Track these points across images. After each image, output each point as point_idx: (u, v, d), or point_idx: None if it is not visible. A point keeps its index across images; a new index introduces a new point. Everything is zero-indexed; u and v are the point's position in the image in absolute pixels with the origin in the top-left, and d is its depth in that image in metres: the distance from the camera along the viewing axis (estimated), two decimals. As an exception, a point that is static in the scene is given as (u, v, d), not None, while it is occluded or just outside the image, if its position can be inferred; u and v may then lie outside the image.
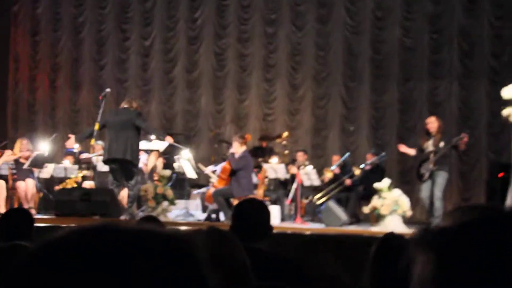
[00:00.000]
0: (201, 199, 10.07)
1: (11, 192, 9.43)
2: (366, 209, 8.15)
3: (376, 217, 8.12)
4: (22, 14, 14.08)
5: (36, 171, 9.66)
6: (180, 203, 9.43)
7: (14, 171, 9.56)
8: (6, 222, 3.70)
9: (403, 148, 8.96)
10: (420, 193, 8.30)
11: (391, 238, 2.58)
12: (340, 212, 8.75)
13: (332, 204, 8.88)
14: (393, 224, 7.76)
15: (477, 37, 12.34)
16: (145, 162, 9.61)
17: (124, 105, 8.42)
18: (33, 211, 8.84)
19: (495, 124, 11.84)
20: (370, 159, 9.77)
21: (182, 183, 10.38)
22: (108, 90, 9.05)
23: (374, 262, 2.49)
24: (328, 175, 9.83)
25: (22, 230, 3.61)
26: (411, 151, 8.87)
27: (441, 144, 8.16)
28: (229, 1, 13.42)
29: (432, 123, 8.29)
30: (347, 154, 10.38)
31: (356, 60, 12.83)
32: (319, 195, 9.71)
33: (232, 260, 1.81)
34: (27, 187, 9.37)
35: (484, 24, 12.28)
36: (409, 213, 7.95)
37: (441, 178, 8.14)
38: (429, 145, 8.25)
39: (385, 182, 7.99)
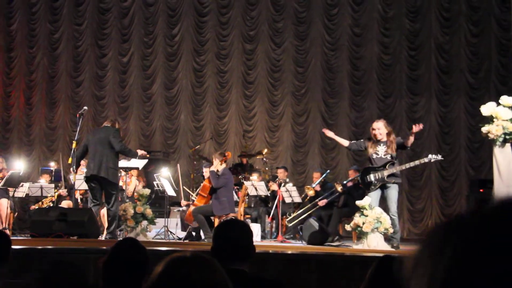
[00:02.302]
0: (181, 217, 9.93)
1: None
2: (348, 227, 8.06)
3: (358, 235, 8.04)
4: (-4, 30, 13.87)
5: (11, 190, 9.43)
6: (160, 221, 9.27)
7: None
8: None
9: (329, 133, 8.18)
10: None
11: (389, 260, 2.53)
12: (322, 230, 8.68)
13: (314, 222, 8.80)
14: (375, 242, 7.69)
15: (454, 54, 12.49)
16: (126, 181, 9.46)
17: (106, 124, 8.38)
18: (7, 232, 8.63)
19: (474, 140, 11.95)
20: (352, 175, 9.72)
21: (161, 201, 10.23)
22: (85, 108, 8.92)
23: (370, 284, 2.44)
24: (309, 192, 9.76)
25: (-1, 253, 3.46)
26: (341, 141, 8.15)
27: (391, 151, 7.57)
28: (208, 18, 13.39)
29: (380, 129, 7.56)
30: (327, 172, 10.33)
31: (335, 77, 12.87)
32: (297, 212, 9.64)
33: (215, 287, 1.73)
34: (1, 207, 9.14)
35: (461, 40, 12.44)
36: (390, 230, 7.87)
37: (395, 190, 7.61)
38: (379, 151, 7.61)
39: (366, 199, 7.91)
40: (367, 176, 7.73)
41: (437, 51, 12.54)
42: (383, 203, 7.83)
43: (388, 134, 7.61)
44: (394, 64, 12.68)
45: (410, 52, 12.67)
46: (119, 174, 8.62)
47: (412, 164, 7.76)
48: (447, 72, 12.51)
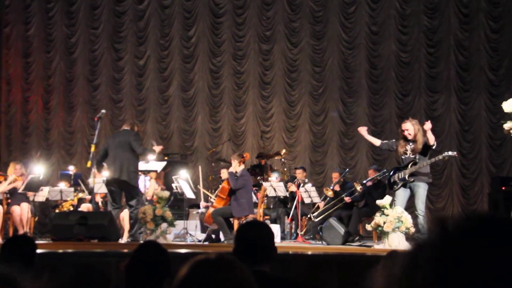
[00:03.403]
0: (200, 219, 9.91)
1: (6, 217, 9.24)
2: (368, 227, 7.97)
3: (379, 234, 7.96)
4: (14, 36, 13.94)
5: (31, 194, 9.47)
6: (179, 223, 9.26)
7: (8, 196, 9.38)
8: (9, 249, 3.57)
9: (363, 132, 8.21)
10: (395, 203, 7.59)
11: (394, 255, 2.48)
12: (342, 230, 8.60)
13: (334, 222, 8.74)
14: (396, 241, 7.60)
15: (473, 50, 12.33)
16: (145, 185, 9.48)
17: (125, 127, 8.41)
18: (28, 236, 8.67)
19: (496, 138, 11.78)
20: (372, 175, 9.62)
21: (180, 203, 10.22)
22: (103, 111, 8.91)
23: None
24: (328, 194, 9.68)
25: (26, 257, 3.49)
26: (373, 140, 8.21)
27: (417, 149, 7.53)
28: (223, 18, 13.36)
29: (409, 129, 7.56)
30: (346, 171, 10.25)
31: (353, 76, 12.77)
32: (317, 212, 9.57)
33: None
34: (22, 211, 9.18)
35: (480, 37, 12.27)
36: (412, 229, 7.77)
37: (422, 189, 7.57)
38: (408, 151, 7.62)
39: (387, 199, 7.82)
40: (392, 176, 7.79)
41: (456, 48, 12.38)
42: (412, 202, 7.82)
43: (417, 132, 7.56)
44: (413, 62, 12.55)
45: (428, 49, 12.52)
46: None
47: (428, 161, 7.69)
48: (466, 69, 12.35)
